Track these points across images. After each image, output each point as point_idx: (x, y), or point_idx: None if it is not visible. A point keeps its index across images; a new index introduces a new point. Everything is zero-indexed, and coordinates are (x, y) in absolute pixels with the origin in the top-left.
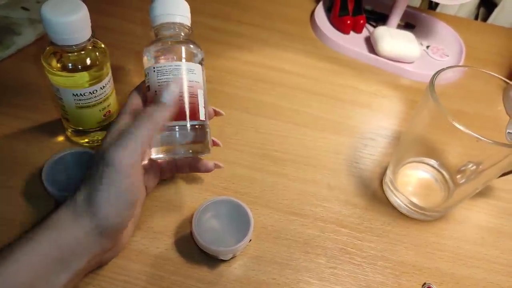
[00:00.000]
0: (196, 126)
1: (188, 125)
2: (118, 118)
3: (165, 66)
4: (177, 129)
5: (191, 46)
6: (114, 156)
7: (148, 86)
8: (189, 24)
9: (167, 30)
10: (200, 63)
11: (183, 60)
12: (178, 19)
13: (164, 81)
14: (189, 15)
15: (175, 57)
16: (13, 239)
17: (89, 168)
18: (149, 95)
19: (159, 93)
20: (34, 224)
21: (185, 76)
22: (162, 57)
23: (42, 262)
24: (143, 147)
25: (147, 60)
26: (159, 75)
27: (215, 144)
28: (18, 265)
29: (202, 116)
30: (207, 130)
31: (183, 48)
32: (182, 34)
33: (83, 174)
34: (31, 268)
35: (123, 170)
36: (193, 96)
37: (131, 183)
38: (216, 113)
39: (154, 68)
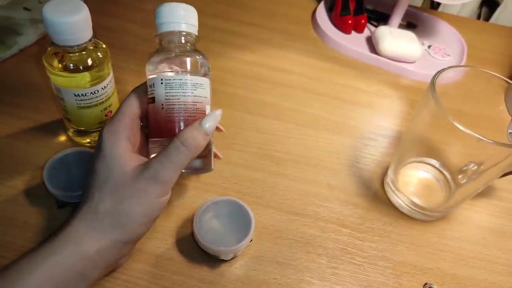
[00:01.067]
0: None
1: None
2: (115, 119)
3: (175, 80)
4: None
5: (198, 57)
6: (160, 174)
7: (153, 97)
8: (196, 33)
9: (172, 39)
10: (207, 73)
11: (192, 73)
12: (184, 28)
13: (172, 95)
14: (196, 23)
15: (182, 69)
16: (30, 250)
17: (108, 175)
18: (153, 107)
19: (167, 107)
20: (53, 234)
21: (194, 91)
22: (168, 68)
23: (65, 275)
24: (178, 172)
25: (150, 70)
26: (167, 89)
27: (215, 156)
28: (42, 279)
29: None
30: (211, 147)
31: (191, 60)
32: (189, 44)
33: (88, 177)
34: (53, 281)
35: (163, 190)
36: (201, 113)
37: (166, 200)
38: (217, 129)
39: (162, 80)
